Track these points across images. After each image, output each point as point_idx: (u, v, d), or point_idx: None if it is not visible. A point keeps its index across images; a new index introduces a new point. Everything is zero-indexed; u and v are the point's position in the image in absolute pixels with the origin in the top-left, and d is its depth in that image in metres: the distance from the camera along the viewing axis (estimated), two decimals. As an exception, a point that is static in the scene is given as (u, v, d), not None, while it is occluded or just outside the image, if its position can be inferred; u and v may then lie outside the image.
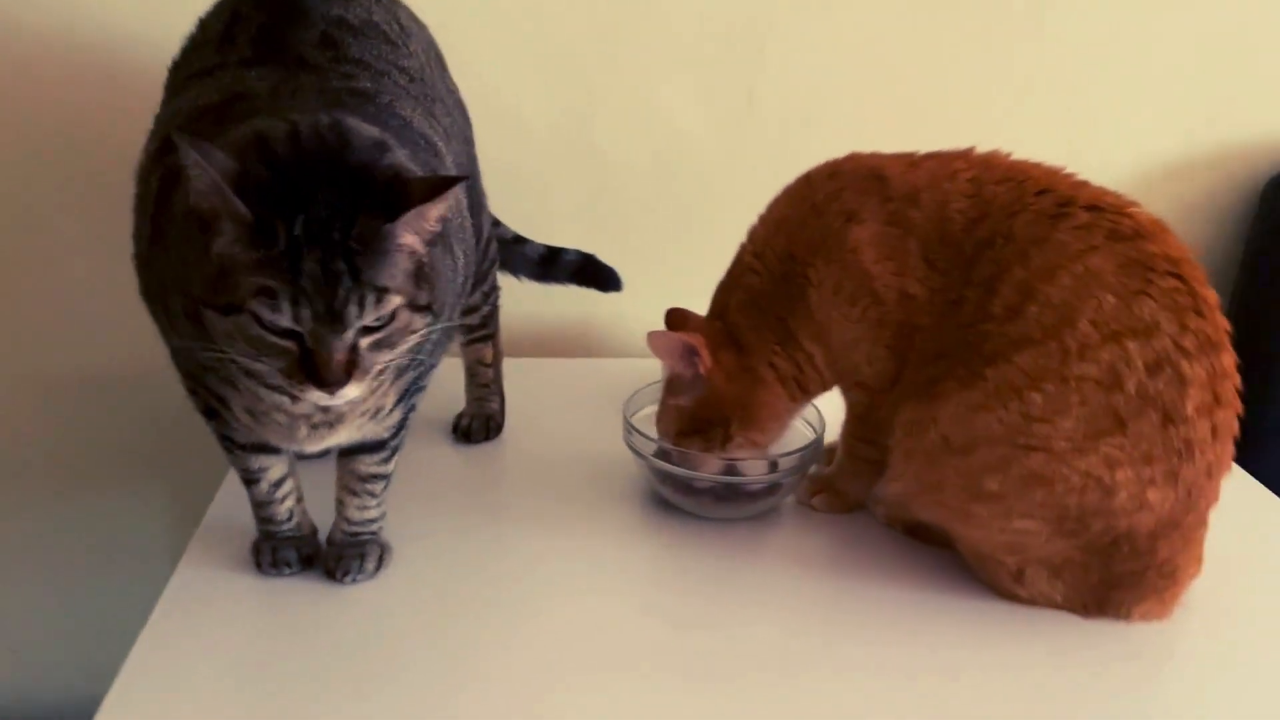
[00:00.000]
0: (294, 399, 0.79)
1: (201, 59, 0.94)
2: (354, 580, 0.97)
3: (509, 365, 1.30)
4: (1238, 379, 0.90)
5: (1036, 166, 0.96)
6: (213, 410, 0.90)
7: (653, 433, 1.10)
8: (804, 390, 1.05)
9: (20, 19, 1.28)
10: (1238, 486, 1.20)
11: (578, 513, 1.10)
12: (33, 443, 1.49)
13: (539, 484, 1.16)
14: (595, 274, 1.31)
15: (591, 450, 1.19)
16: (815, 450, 1.10)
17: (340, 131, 0.75)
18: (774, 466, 1.08)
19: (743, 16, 1.37)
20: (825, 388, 1.07)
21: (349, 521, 0.99)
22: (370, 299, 0.72)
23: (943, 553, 1.02)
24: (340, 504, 0.99)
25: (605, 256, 1.31)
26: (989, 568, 0.97)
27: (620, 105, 1.39)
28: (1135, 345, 0.86)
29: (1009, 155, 0.98)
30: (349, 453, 0.96)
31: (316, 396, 0.74)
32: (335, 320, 0.71)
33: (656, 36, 1.37)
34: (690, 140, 1.41)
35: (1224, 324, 0.89)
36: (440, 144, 0.95)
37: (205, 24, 0.98)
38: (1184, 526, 0.90)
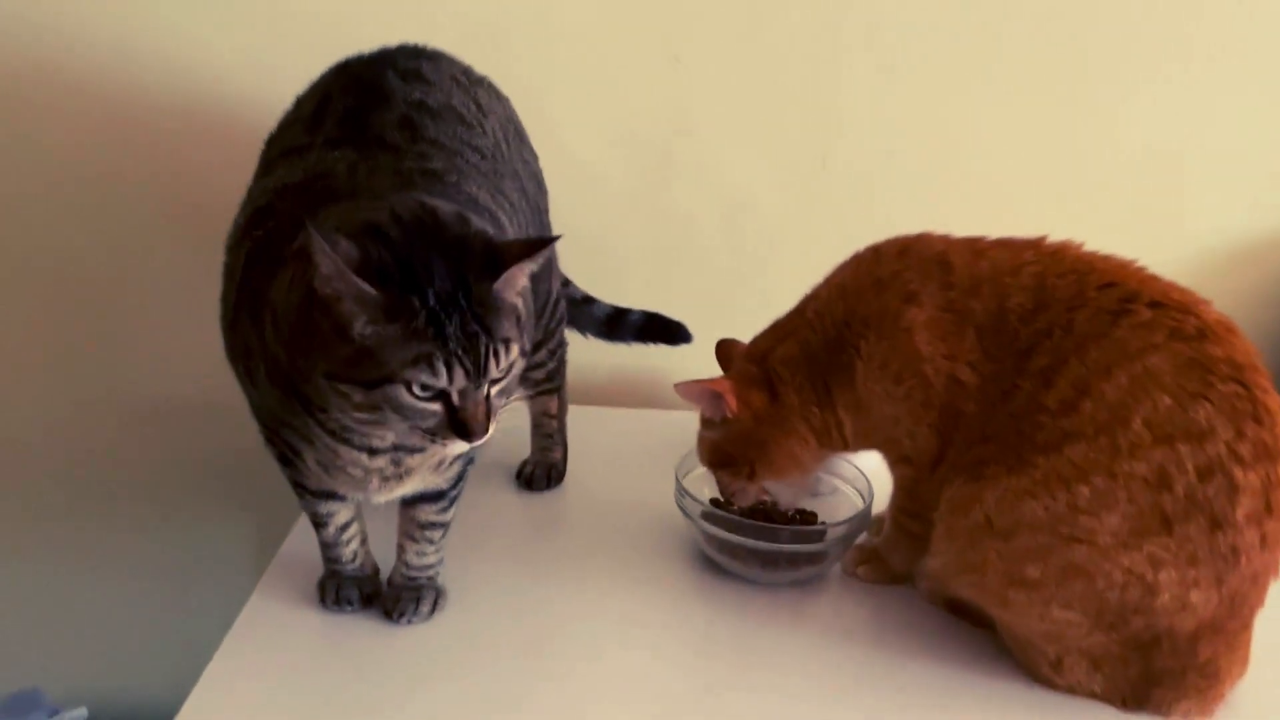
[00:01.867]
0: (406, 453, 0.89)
1: (293, 137, 1.00)
2: (409, 622, 1.02)
3: (576, 413, 1.34)
4: None
5: (1105, 259, 0.97)
6: (286, 458, 0.96)
7: (703, 494, 1.13)
8: (829, 447, 1.09)
9: (140, 79, 1.37)
10: None
11: (629, 567, 1.13)
12: (130, 466, 1.58)
13: (594, 535, 1.19)
14: (662, 330, 1.35)
15: (648, 503, 1.22)
16: (862, 520, 1.12)
17: (429, 209, 0.81)
18: (820, 535, 1.10)
19: (821, 83, 1.40)
20: (845, 449, 1.10)
21: (408, 566, 1.04)
22: (501, 351, 0.80)
23: (983, 633, 1.03)
24: (401, 549, 1.04)
25: (676, 313, 1.35)
26: (1027, 653, 0.98)
27: (694, 169, 1.43)
28: (1187, 449, 0.87)
29: (1080, 245, 0.99)
30: (411, 502, 1.01)
31: (459, 448, 0.82)
32: (481, 375, 0.79)
33: (732, 102, 1.41)
34: (761, 202, 1.44)
35: (1281, 432, 0.89)
36: (503, 216, 1.00)
37: (300, 103, 1.04)
38: (1227, 630, 0.91)
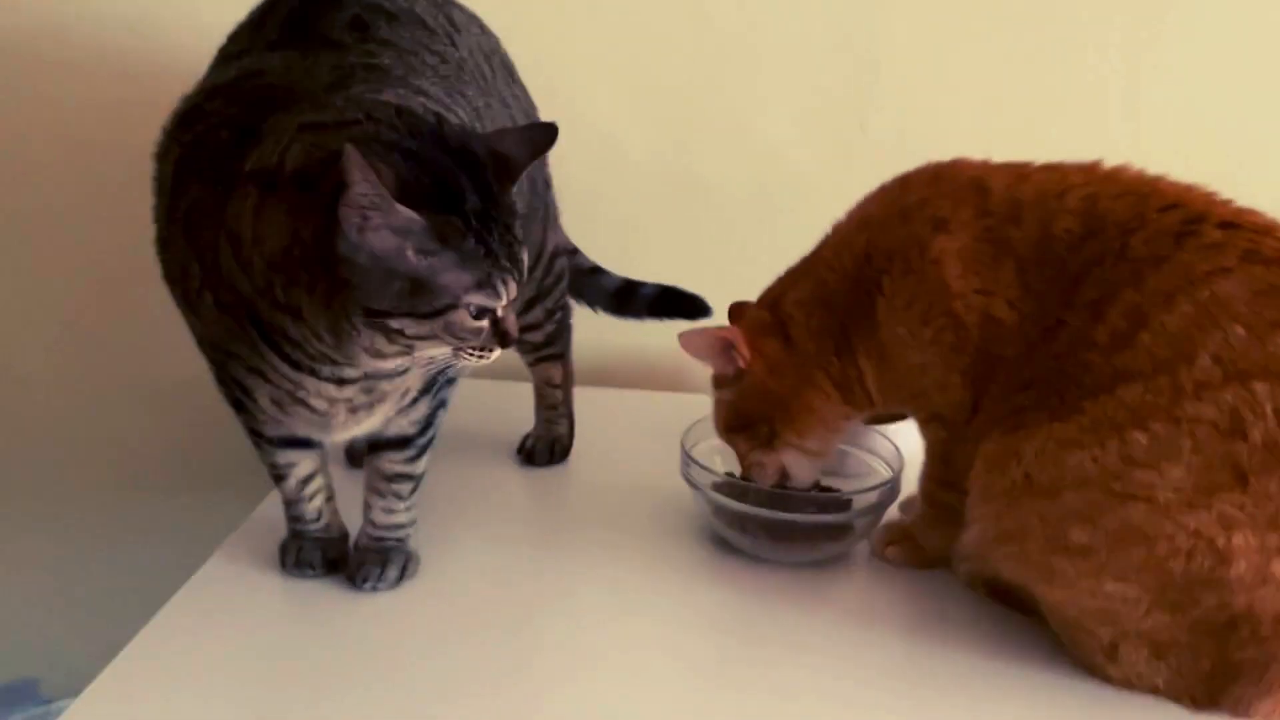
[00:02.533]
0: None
1: (236, 43, 0.95)
2: (374, 588, 0.92)
3: (587, 393, 1.25)
4: None
5: (1169, 183, 0.84)
6: (239, 401, 0.88)
7: (714, 463, 1.02)
8: (852, 403, 0.96)
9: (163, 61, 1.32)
10: None
11: (631, 544, 1.02)
12: (137, 456, 1.52)
13: (594, 512, 1.09)
14: (677, 304, 1.24)
15: (656, 485, 1.11)
16: (890, 491, 0.99)
17: (418, 116, 0.76)
18: (843, 505, 0.98)
19: (857, 43, 1.31)
20: (874, 409, 0.97)
21: (374, 525, 0.95)
22: (530, 254, 0.78)
23: (1030, 621, 0.89)
24: (367, 507, 0.95)
25: (701, 285, 1.24)
26: (1078, 639, 0.84)
27: (722, 133, 1.35)
28: (1265, 388, 0.73)
29: (1142, 170, 0.87)
30: (377, 450, 0.93)
31: (494, 356, 0.78)
32: (520, 284, 0.77)
33: (763, 62, 1.33)
34: (796, 170, 1.34)
35: (1384, 375, 0.75)
36: (462, 114, 0.91)
37: (251, 12, 0.97)
38: (1320, 613, 0.76)
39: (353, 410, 0.85)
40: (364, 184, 0.67)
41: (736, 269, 1.36)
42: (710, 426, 1.05)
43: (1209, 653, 0.78)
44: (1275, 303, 0.75)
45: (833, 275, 0.94)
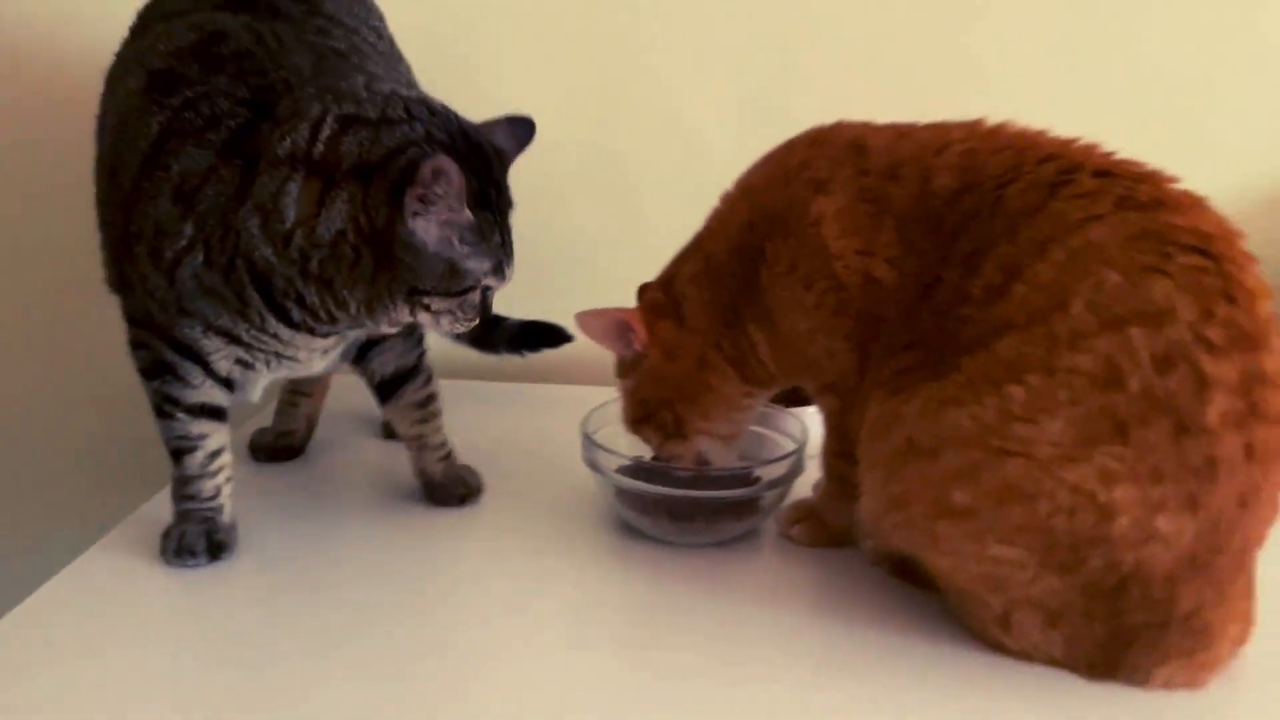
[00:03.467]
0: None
1: (171, 3, 0.95)
2: (476, 500, 1.04)
3: (484, 388, 1.26)
4: None
5: (1050, 137, 0.82)
6: (166, 366, 0.89)
7: (614, 449, 0.99)
8: (752, 379, 0.93)
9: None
10: None
11: (534, 533, 0.99)
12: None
13: (497, 502, 1.06)
14: (540, 336, 1.28)
15: (561, 474, 1.08)
16: (793, 465, 0.96)
17: (447, 113, 0.85)
18: (743, 480, 0.95)
19: (782, 28, 1.29)
20: (774, 383, 0.94)
21: (438, 447, 1.04)
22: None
23: (933, 598, 0.85)
24: (420, 440, 1.03)
25: (628, 271, 1.22)
26: (971, 610, 0.80)
27: (648, 119, 1.33)
28: (1141, 334, 0.70)
29: (1026, 126, 0.84)
30: (395, 393, 1.02)
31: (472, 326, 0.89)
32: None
33: (688, 47, 1.31)
34: (722, 155, 1.31)
35: (1270, 319, 0.71)
36: None
37: None
38: (1214, 570, 0.72)
39: (324, 353, 0.95)
40: (442, 187, 0.78)
41: (663, 254, 1.35)
42: (611, 411, 1.02)
43: (1102, 618, 0.75)
44: (1149, 247, 0.72)
45: (718, 247, 0.91)
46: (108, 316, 0.94)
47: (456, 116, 0.85)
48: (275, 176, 0.81)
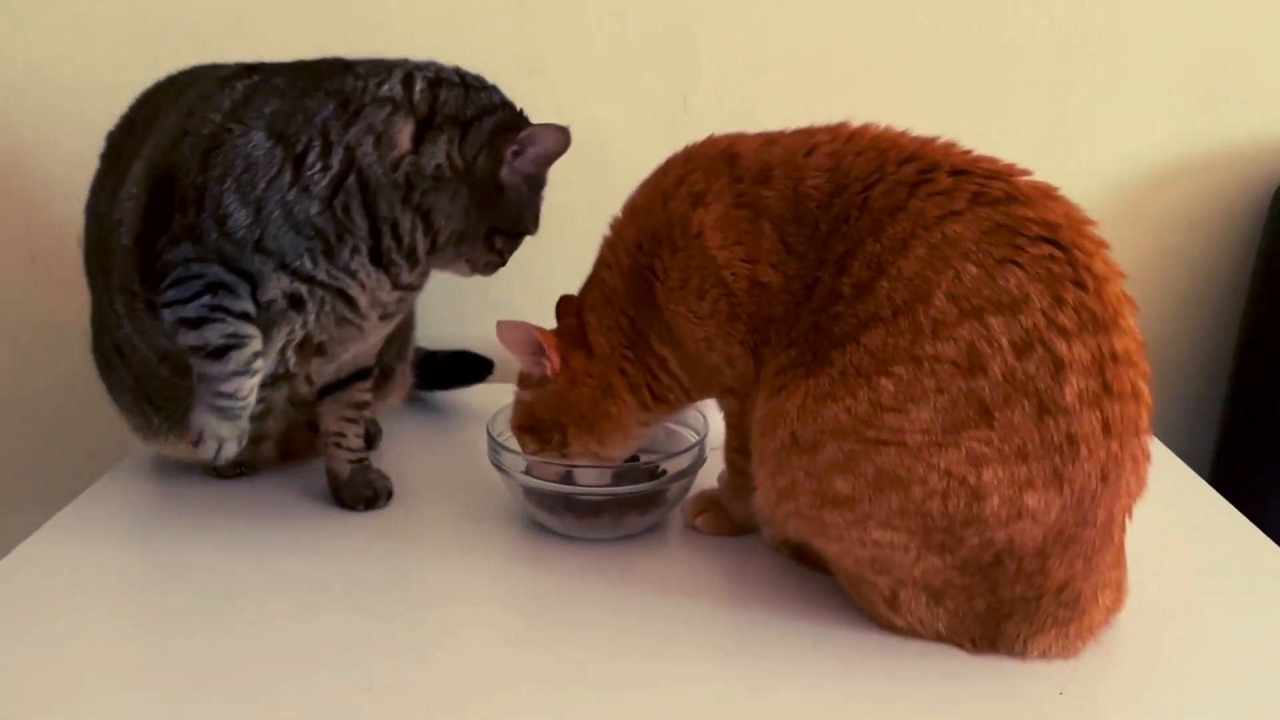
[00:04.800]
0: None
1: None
2: (383, 506, 1.06)
3: None
4: (1142, 366, 0.76)
5: (911, 137, 0.84)
6: (216, 284, 0.92)
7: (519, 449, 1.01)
8: (660, 400, 0.95)
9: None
10: (1195, 505, 1.07)
11: (441, 533, 1.01)
12: None
13: (404, 503, 1.08)
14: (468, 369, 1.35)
15: (468, 478, 1.11)
16: (695, 458, 0.99)
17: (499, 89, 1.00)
18: (644, 476, 0.97)
19: (674, 21, 1.31)
20: (687, 398, 0.96)
21: (353, 450, 1.07)
22: None
23: (830, 580, 0.88)
24: (340, 436, 1.07)
25: (535, 272, 1.24)
26: (861, 591, 0.84)
27: (549, 116, 1.33)
28: (999, 321, 0.73)
29: (888, 127, 0.87)
30: (339, 389, 1.07)
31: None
32: None
33: (586, 44, 1.32)
34: (625, 150, 1.33)
35: (1119, 301, 0.75)
36: None
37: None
38: (1081, 542, 0.76)
39: (382, 318, 1.01)
40: (536, 148, 0.95)
41: (570, 253, 1.37)
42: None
43: (982, 593, 0.78)
44: (1002, 239, 0.75)
45: (611, 272, 0.93)
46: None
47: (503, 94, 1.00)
48: (381, 109, 0.93)
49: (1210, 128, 1.32)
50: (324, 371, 1.06)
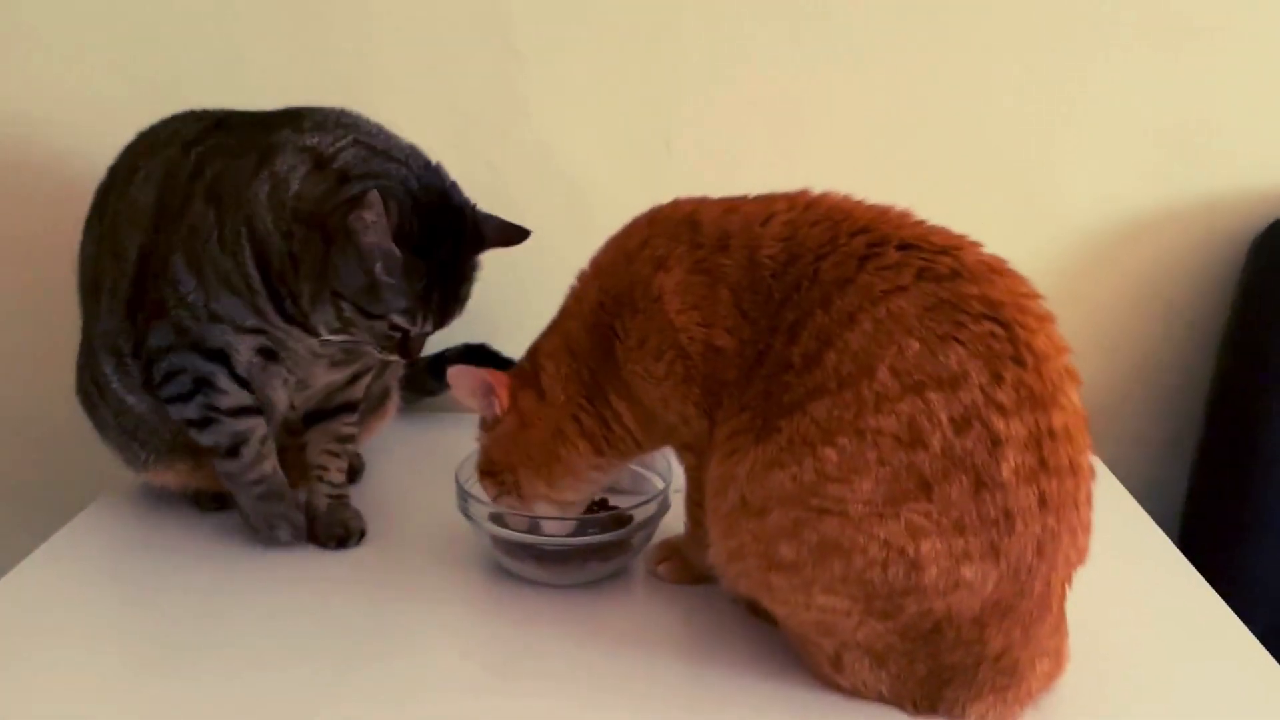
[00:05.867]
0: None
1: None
2: (356, 545, 1.08)
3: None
4: (1081, 441, 0.77)
5: (866, 207, 0.86)
6: (204, 382, 1.01)
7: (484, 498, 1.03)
8: (614, 449, 0.97)
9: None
10: (1151, 561, 1.08)
11: (405, 574, 1.04)
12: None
13: (372, 540, 1.10)
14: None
15: (438, 516, 1.12)
16: (659, 506, 1.01)
17: (437, 174, 0.99)
18: (609, 524, 1.00)
19: (658, 65, 1.33)
20: (640, 449, 0.98)
21: (334, 485, 1.10)
22: (458, 310, 1.01)
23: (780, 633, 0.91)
24: (323, 471, 1.10)
25: (515, 307, 1.26)
26: (807, 650, 0.86)
27: (530, 154, 1.36)
28: (939, 397, 0.75)
29: (846, 196, 0.89)
30: (322, 420, 1.11)
31: (395, 359, 1.02)
32: (440, 326, 1.00)
33: (567, 83, 1.35)
34: (605, 190, 1.36)
35: (1060, 377, 0.77)
36: None
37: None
38: (1019, 613, 0.78)
39: (335, 364, 1.06)
40: (374, 215, 0.90)
41: (550, 289, 1.39)
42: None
43: (923, 658, 0.80)
44: (945, 316, 0.77)
45: (575, 324, 0.96)
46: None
47: (446, 184, 0.99)
48: (292, 158, 0.96)
49: (1188, 178, 1.33)
50: (305, 397, 1.09)
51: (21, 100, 1.35)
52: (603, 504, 1.08)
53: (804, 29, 1.31)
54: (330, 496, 1.10)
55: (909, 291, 0.78)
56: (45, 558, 1.07)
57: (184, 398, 1.03)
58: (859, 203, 0.87)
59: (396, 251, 0.92)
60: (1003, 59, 1.31)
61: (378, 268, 0.92)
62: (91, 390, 1.11)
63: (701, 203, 0.92)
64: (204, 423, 1.03)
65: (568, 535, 0.99)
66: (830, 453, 0.77)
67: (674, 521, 1.04)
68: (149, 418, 1.08)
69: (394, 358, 1.00)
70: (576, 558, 0.99)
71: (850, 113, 1.34)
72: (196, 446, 1.06)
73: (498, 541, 1.01)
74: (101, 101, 1.34)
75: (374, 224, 0.91)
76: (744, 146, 1.34)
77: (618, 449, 0.97)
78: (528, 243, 1.38)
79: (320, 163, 0.95)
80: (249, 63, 1.34)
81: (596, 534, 0.99)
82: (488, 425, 1.00)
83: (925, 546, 0.76)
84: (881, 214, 0.85)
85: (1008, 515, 0.75)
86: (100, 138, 1.11)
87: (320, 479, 1.10)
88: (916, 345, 0.76)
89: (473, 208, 1.00)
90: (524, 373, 0.98)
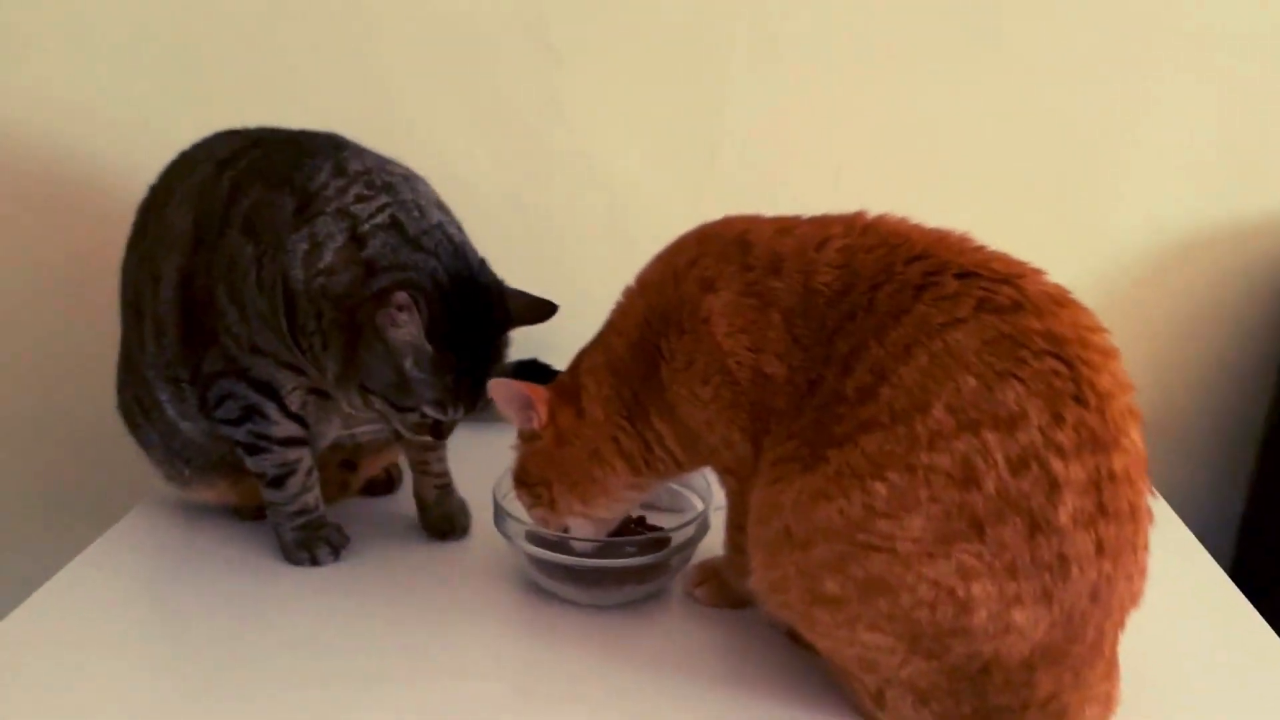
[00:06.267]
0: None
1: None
2: (464, 535, 1.11)
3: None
4: (1141, 484, 0.75)
5: (925, 231, 0.84)
6: (254, 409, 1.01)
7: (522, 517, 1.02)
8: (652, 470, 0.95)
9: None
10: (1206, 594, 1.05)
11: (439, 590, 1.03)
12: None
13: (407, 553, 1.09)
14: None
15: (480, 527, 1.12)
16: (698, 529, 1.00)
17: (464, 259, 0.97)
18: (647, 547, 0.98)
19: (703, 72, 1.31)
20: (680, 469, 0.96)
21: (438, 475, 1.10)
22: (486, 394, 0.97)
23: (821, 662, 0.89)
24: (424, 464, 1.09)
25: (560, 324, 1.24)
26: (849, 685, 0.84)
27: (572, 168, 1.35)
28: (996, 437, 0.73)
29: (903, 219, 0.86)
30: None
31: (428, 443, 1.05)
32: (472, 410, 0.98)
33: (610, 94, 1.33)
34: (648, 203, 1.34)
35: (1122, 417, 0.74)
36: None
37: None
38: (1070, 658, 0.75)
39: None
40: (408, 316, 0.89)
41: (590, 303, 1.37)
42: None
43: (969, 698, 0.78)
44: (1005, 352, 0.74)
45: (619, 340, 0.94)
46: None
47: (474, 267, 0.97)
48: (332, 224, 0.94)
49: (1243, 197, 1.30)
50: (365, 423, 1.08)
51: (65, 115, 1.36)
52: (640, 522, 1.07)
53: (857, 37, 1.29)
54: (437, 487, 1.11)
55: (967, 324, 0.76)
56: (82, 567, 1.06)
57: (234, 422, 1.03)
58: (917, 226, 0.84)
59: (428, 348, 0.92)
60: (1057, 79, 1.29)
61: (408, 364, 0.92)
62: (135, 409, 1.11)
63: (753, 222, 0.90)
64: (252, 449, 1.04)
65: (605, 557, 0.97)
66: (880, 487, 0.75)
67: (713, 542, 1.03)
68: (199, 440, 1.08)
69: (425, 438, 1.00)
70: (613, 579, 0.98)
71: (901, 128, 1.32)
72: (240, 464, 1.06)
73: (533, 560, 1.00)
74: (144, 114, 1.34)
75: (405, 323, 0.90)
76: (792, 159, 1.33)
77: (656, 469, 0.96)
78: (568, 257, 1.39)
79: (355, 237, 0.93)
80: (290, 71, 1.33)
81: (634, 555, 0.98)
82: (526, 436, 0.99)
83: (975, 588, 0.73)
84: (940, 239, 0.82)
85: (1063, 560, 0.72)
86: (144, 152, 1.11)
87: (424, 472, 1.11)
88: (974, 382, 0.74)
89: (500, 287, 0.99)
90: (564, 388, 0.97)
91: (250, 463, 1.04)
